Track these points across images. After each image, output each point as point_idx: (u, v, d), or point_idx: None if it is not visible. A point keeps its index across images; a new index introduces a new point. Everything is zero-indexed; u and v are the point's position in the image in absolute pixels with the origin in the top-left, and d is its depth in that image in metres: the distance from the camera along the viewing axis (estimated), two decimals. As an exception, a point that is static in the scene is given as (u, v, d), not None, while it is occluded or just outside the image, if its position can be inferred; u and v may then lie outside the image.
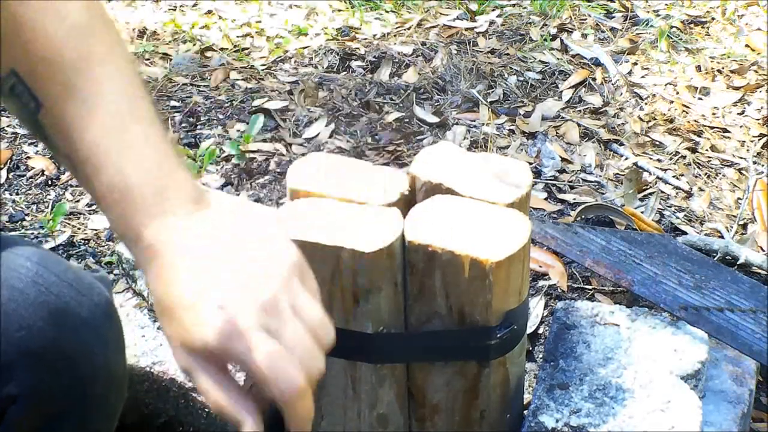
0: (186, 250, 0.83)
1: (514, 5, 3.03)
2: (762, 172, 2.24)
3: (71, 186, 2.15)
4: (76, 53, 0.86)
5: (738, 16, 2.99)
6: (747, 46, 2.83)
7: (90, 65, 0.87)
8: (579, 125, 2.38)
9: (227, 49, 2.76)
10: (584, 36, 2.82)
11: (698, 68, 2.68)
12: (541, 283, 1.81)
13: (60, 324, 0.93)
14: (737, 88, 2.60)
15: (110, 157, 0.83)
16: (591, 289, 1.84)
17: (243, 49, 2.76)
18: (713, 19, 2.98)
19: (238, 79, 2.57)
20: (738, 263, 1.90)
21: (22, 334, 0.91)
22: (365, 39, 2.81)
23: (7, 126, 2.36)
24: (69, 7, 0.88)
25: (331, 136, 2.31)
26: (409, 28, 2.88)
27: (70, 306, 0.94)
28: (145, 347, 1.50)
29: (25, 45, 0.85)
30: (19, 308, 0.91)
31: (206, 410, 1.47)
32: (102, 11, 0.92)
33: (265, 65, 2.66)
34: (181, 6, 3.05)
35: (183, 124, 2.37)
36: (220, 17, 2.98)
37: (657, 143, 2.36)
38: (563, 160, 2.25)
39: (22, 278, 0.92)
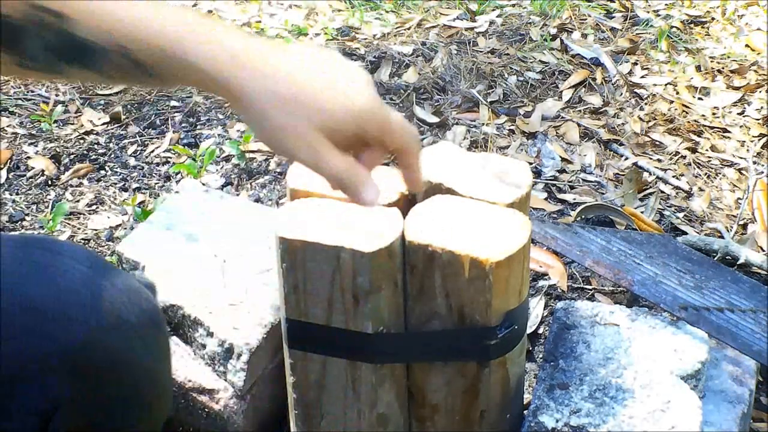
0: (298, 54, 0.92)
1: (514, 5, 3.03)
2: (762, 172, 2.24)
3: (71, 186, 2.15)
4: None
5: (738, 16, 2.98)
6: (747, 46, 2.83)
7: None
8: (579, 125, 2.38)
9: (227, 49, 2.75)
10: (584, 36, 2.82)
11: (698, 68, 2.68)
12: (541, 283, 1.81)
13: (110, 329, 0.92)
14: (737, 88, 2.60)
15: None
16: (591, 289, 1.84)
17: (243, 49, 2.75)
18: (713, 19, 2.98)
19: (238, 79, 2.57)
20: (738, 263, 1.90)
21: (72, 337, 0.90)
22: (365, 39, 2.81)
23: (7, 126, 2.36)
24: None
25: (331, 136, 2.31)
26: (409, 28, 2.87)
27: (121, 312, 0.94)
28: (145, 347, 1.50)
29: None
30: (71, 311, 0.91)
31: (206, 410, 1.47)
32: None
33: (265, 65, 2.65)
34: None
35: (183, 124, 2.38)
36: (220, 17, 2.98)
37: (657, 143, 2.36)
38: (563, 160, 2.25)
39: (75, 281, 0.92)
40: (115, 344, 0.93)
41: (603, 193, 2.15)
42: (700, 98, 2.55)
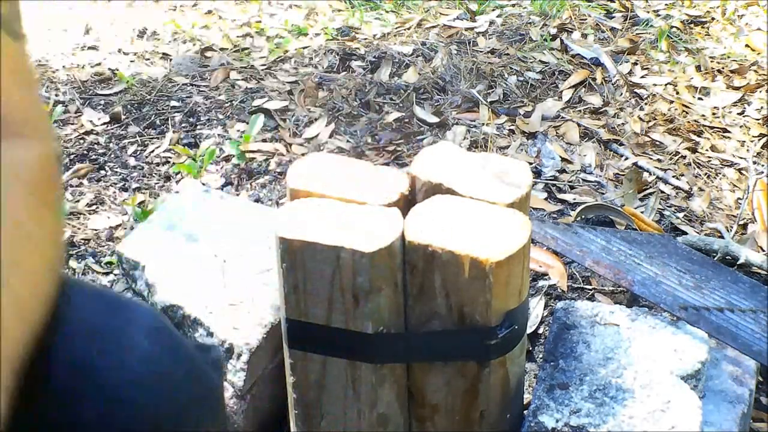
0: None
1: (514, 5, 3.03)
2: (762, 172, 2.24)
3: (71, 186, 2.15)
4: None
5: (738, 16, 2.98)
6: (747, 46, 2.82)
7: None
8: (579, 125, 2.38)
9: (227, 49, 2.76)
10: (584, 36, 2.82)
11: (698, 68, 2.68)
12: (541, 283, 1.81)
13: (167, 414, 0.90)
14: (737, 88, 2.60)
15: None
16: (591, 289, 1.84)
17: (243, 49, 2.76)
18: (713, 19, 2.98)
19: (238, 79, 2.58)
20: (738, 263, 1.90)
21: (128, 420, 0.89)
22: (365, 39, 2.81)
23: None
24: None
25: (331, 136, 2.31)
26: (409, 28, 2.87)
27: (181, 393, 0.91)
28: (145, 347, 1.50)
29: None
30: (131, 392, 0.89)
31: (206, 410, 1.47)
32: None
33: (265, 65, 2.65)
34: (181, 6, 3.05)
35: (183, 124, 2.37)
36: (220, 17, 2.98)
37: (657, 143, 2.36)
38: (563, 160, 2.25)
39: (137, 357, 0.90)
40: (169, 426, 0.92)
41: (603, 193, 2.15)
42: (700, 98, 2.55)
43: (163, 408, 0.91)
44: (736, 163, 2.30)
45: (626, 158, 2.28)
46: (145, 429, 0.90)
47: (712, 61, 2.72)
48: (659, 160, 2.29)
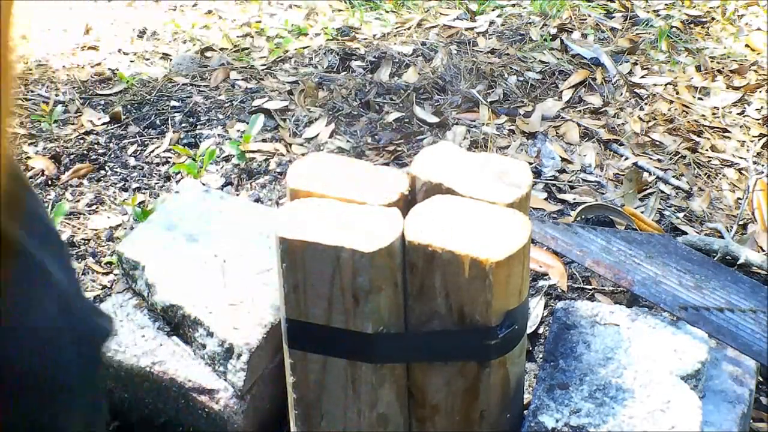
0: None
1: (514, 5, 3.03)
2: (762, 172, 2.24)
3: (71, 186, 2.15)
4: None
5: (738, 16, 2.98)
6: (747, 46, 2.82)
7: None
8: (579, 125, 2.38)
9: (227, 49, 2.76)
10: (584, 36, 2.82)
11: (698, 68, 2.68)
12: (541, 283, 1.81)
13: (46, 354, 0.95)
14: (737, 88, 2.60)
15: None
16: (591, 289, 1.84)
17: (243, 49, 2.76)
18: (713, 19, 2.98)
19: (238, 79, 2.57)
20: (738, 263, 1.90)
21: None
22: (365, 39, 2.81)
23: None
24: None
25: (331, 136, 2.31)
26: (409, 28, 2.87)
27: (64, 346, 0.96)
28: (146, 347, 1.50)
29: None
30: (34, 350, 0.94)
31: (206, 410, 1.47)
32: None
33: (265, 65, 2.65)
34: (181, 6, 3.05)
35: (183, 124, 2.37)
36: (220, 17, 2.98)
37: (657, 143, 2.36)
38: (563, 160, 2.25)
39: (45, 323, 0.95)
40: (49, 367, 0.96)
41: (603, 193, 2.15)
42: (700, 98, 2.55)
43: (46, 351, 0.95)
44: (736, 163, 2.30)
45: (626, 158, 2.28)
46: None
47: (712, 61, 2.72)
48: (659, 160, 2.29)
